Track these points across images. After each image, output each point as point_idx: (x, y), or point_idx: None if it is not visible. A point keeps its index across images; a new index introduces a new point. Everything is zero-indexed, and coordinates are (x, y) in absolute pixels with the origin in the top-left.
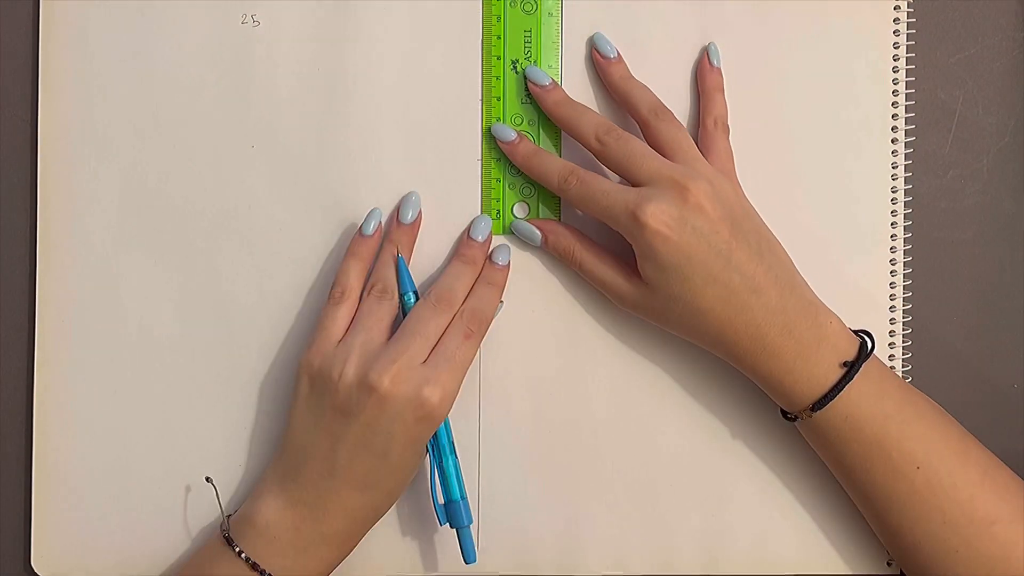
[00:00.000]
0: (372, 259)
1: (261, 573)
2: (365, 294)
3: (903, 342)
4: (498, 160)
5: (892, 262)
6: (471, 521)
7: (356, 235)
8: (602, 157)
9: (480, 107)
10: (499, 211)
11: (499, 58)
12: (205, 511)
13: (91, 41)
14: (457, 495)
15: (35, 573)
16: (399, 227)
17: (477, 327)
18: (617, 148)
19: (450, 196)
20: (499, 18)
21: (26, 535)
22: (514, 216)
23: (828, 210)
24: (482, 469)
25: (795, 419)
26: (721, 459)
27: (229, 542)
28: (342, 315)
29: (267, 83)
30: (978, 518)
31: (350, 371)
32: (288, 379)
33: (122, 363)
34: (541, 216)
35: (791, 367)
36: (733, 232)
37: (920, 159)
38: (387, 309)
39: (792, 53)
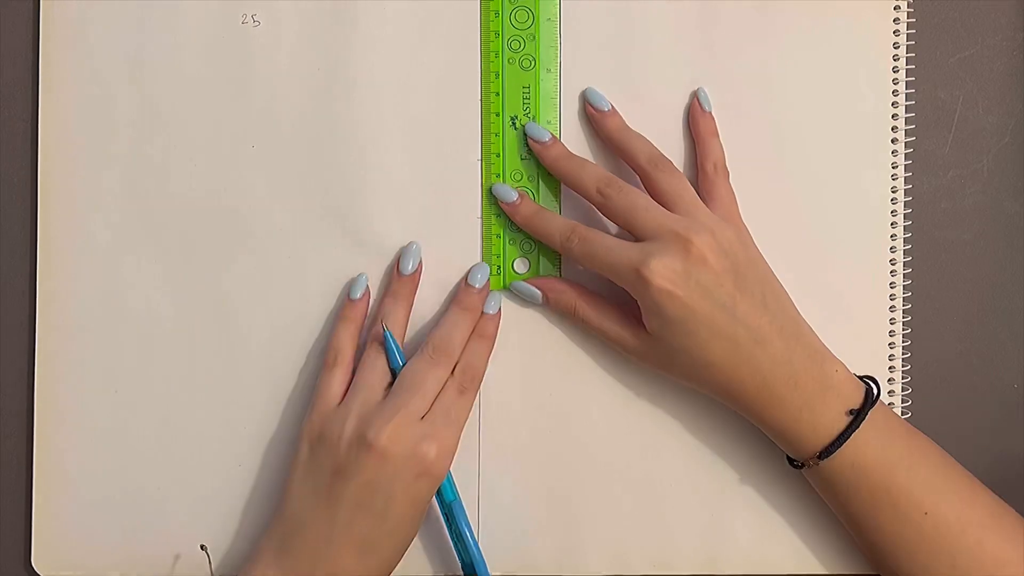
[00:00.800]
0: (363, 320)
1: None
2: (366, 348)
3: (903, 342)
4: (498, 216)
5: (892, 262)
6: None
7: (345, 300)
8: (604, 210)
9: (480, 165)
10: (500, 267)
11: (498, 115)
12: (205, 511)
13: (91, 41)
14: (479, 565)
15: (35, 573)
16: (399, 278)
17: (471, 383)
18: (619, 200)
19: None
20: (497, 75)
21: (26, 535)
22: (515, 272)
23: (828, 210)
24: (482, 469)
25: (801, 467)
26: (721, 458)
27: None
28: (337, 379)
29: (267, 83)
30: (987, 561)
31: (348, 429)
32: (288, 378)
33: (122, 363)
34: (542, 271)
35: (797, 416)
36: (737, 284)
37: (920, 159)
38: (386, 362)
39: (792, 53)
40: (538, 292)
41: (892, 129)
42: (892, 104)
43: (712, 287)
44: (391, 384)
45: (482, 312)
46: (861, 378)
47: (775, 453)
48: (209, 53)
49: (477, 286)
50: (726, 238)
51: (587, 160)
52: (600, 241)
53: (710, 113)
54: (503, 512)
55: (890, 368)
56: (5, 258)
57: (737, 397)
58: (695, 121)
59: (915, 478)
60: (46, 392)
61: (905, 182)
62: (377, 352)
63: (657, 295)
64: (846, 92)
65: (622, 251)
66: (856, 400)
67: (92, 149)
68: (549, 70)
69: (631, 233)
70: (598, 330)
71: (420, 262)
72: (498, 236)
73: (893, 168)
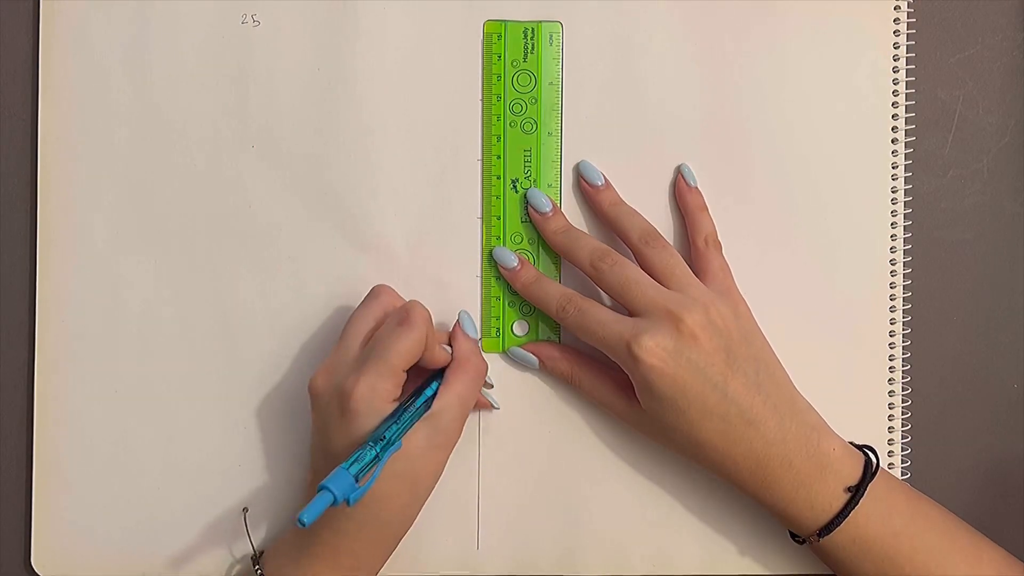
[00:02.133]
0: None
1: None
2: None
3: (903, 342)
4: (497, 278)
5: (892, 262)
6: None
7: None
8: (599, 283)
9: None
10: (499, 329)
11: (499, 177)
12: (205, 511)
13: (91, 41)
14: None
15: (35, 573)
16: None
17: (407, 316)
18: (612, 275)
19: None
20: (499, 138)
21: (26, 535)
22: (513, 334)
23: (828, 210)
24: (482, 469)
25: (803, 542)
26: None
27: None
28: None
29: (267, 83)
30: None
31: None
32: (287, 378)
33: (122, 363)
34: (541, 334)
35: (793, 496)
36: (729, 362)
37: (920, 159)
38: (371, 326)
39: (792, 53)
40: (534, 358)
41: (892, 129)
42: (892, 104)
43: (703, 365)
44: None
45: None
46: (859, 447)
47: None
48: (209, 53)
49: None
50: (720, 314)
51: (583, 233)
52: (594, 314)
53: (696, 188)
54: (503, 512)
55: (890, 368)
56: (5, 258)
57: (732, 476)
58: (682, 197)
59: (920, 545)
60: (46, 392)
61: (905, 182)
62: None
63: (647, 372)
64: (846, 92)
65: (614, 325)
66: (855, 476)
67: (92, 149)
68: (551, 133)
69: (625, 307)
70: (593, 397)
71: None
72: (497, 298)
73: (893, 168)
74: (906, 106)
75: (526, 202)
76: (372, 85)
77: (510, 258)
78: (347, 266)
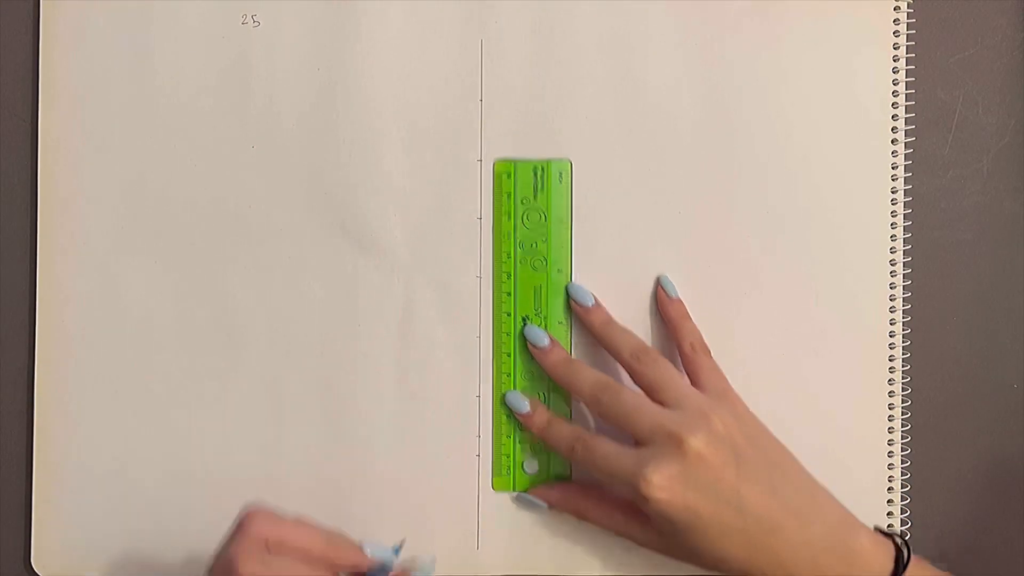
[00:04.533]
0: None
1: None
2: None
3: (903, 342)
4: (508, 417)
5: (892, 262)
6: None
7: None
8: (602, 417)
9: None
10: (509, 467)
11: (509, 315)
12: (205, 511)
13: (91, 41)
14: None
15: (35, 573)
16: None
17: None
18: (611, 406)
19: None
20: (509, 275)
21: (26, 535)
22: (524, 472)
23: (828, 210)
24: (481, 468)
25: None
26: None
27: None
28: None
29: (267, 83)
30: None
31: None
32: (287, 378)
33: (122, 363)
34: (552, 471)
35: None
36: (739, 472)
37: (920, 159)
38: None
39: (792, 53)
40: (543, 504)
41: (892, 129)
42: (892, 104)
43: (714, 484)
44: None
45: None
46: (888, 534)
47: None
48: (209, 53)
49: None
50: (722, 421)
51: (584, 365)
52: (601, 450)
53: (678, 298)
54: (503, 512)
55: (890, 368)
56: (5, 258)
57: None
58: (664, 309)
59: None
60: (46, 392)
61: (905, 182)
62: None
63: (657, 505)
64: (846, 92)
65: (620, 460)
66: (886, 567)
67: (92, 149)
68: (560, 271)
69: (632, 437)
70: (608, 529)
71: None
72: (508, 437)
73: (893, 168)
74: (906, 106)
75: (525, 340)
76: (372, 85)
77: (522, 403)
78: (347, 266)
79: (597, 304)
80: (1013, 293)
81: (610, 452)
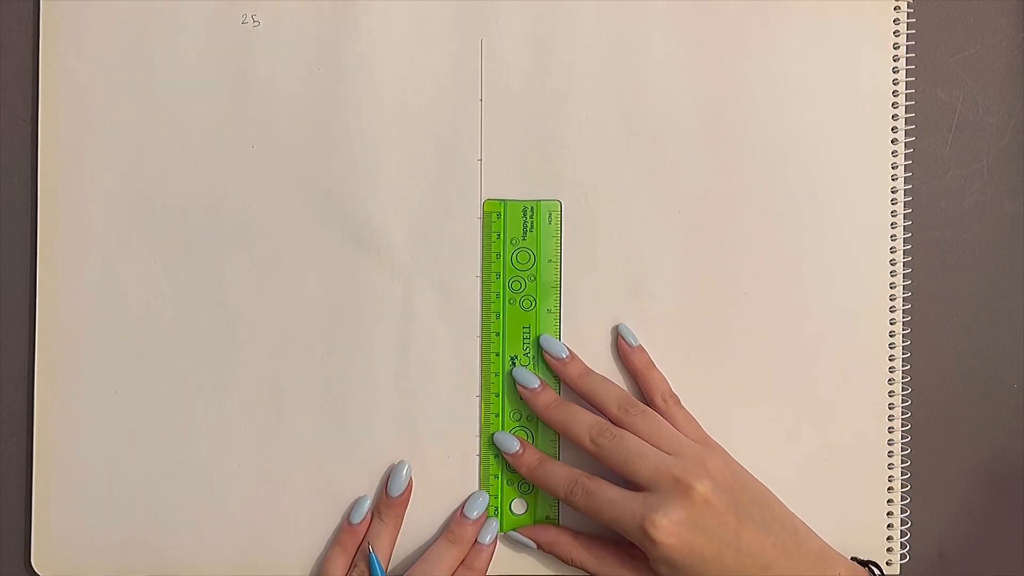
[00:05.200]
0: (356, 548)
1: None
2: (353, 565)
3: (903, 342)
4: (496, 457)
5: (892, 262)
6: None
7: (344, 523)
8: (599, 459)
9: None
10: (497, 508)
11: (498, 354)
12: (205, 511)
13: (91, 41)
14: None
15: (35, 573)
16: (387, 500)
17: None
18: (612, 449)
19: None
20: (498, 315)
21: (26, 535)
22: (512, 513)
23: (828, 210)
24: (481, 468)
25: None
26: None
27: None
28: None
29: (267, 83)
30: None
31: None
32: (288, 378)
33: (122, 363)
34: (539, 512)
35: None
36: (738, 516)
37: (920, 159)
38: None
39: (792, 53)
40: (532, 543)
41: (892, 129)
42: (892, 104)
43: (717, 528)
44: None
45: (479, 542)
46: (864, 563)
47: (771, 445)
48: (209, 53)
49: (472, 516)
50: (717, 468)
51: (577, 407)
52: (603, 495)
53: (640, 347)
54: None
55: (890, 368)
56: (5, 258)
57: None
58: (627, 358)
59: None
60: (46, 392)
61: (905, 182)
62: (361, 573)
63: (666, 550)
64: (846, 92)
65: (625, 505)
66: None
67: (92, 149)
68: (550, 311)
69: (630, 481)
70: (598, 574)
71: (410, 482)
72: (496, 477)
73: (893, 168)
74: (906, 106)
75: (515, 382)
76: (372, 85)
77: (512, 443)
78: (347, 266)
79: (572, 356)
80: (1013, 293)
81: (613, 496)
